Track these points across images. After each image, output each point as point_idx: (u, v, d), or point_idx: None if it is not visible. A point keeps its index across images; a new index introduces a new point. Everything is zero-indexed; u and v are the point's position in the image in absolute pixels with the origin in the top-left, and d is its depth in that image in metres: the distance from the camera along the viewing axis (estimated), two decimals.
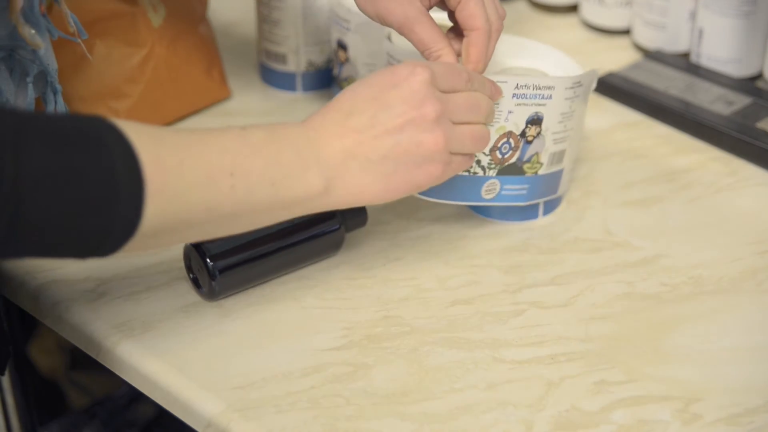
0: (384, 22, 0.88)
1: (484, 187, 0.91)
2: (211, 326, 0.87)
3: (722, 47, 1.16)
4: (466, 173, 0.90)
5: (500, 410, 0.81)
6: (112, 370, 0.87)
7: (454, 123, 0.82)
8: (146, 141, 0.70)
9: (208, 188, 0.73)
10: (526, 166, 0.92)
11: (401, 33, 0.87)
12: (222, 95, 1.15)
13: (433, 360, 0.85)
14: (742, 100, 1.12)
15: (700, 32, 1.17)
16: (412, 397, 0.82)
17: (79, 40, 0.90)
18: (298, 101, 1.16)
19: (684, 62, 1.18)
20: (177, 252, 0.93)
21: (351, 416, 0.80)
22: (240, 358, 0.85)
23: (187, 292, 0.90)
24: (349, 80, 1.11)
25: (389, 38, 1.03)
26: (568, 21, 1.30)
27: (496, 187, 0.92)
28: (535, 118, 0.88)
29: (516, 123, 0.89)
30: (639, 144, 1.10)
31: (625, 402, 0.81)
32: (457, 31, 0.89)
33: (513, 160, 0.91)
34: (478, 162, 0.90)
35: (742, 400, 0.82)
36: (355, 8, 1.08)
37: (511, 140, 0.88)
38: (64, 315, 0.89)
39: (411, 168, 0.80)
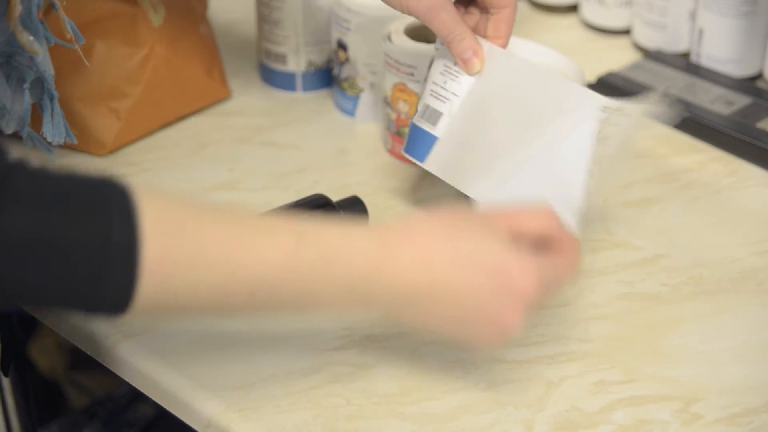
0: (409, 12, 0.86)
1: None
2: (211, 326, 0.87)
3: (722, 47, 1.16)
4: None
5: (500, 410, 0.81)
6: (112, 370, 0.87)
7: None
8: (160, 229, 0.63)
9: (218, 298, 0.67)
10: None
11: (425, 21, 0.86)
12: (222, 95, 1.15)
13: (433, 360, 0.85)
14: (742, 100, 1.12)
15: (700, 32, 1.17)
16: (412, 397, 0.82)
17: (77, 46, 0.90)
18: (298, 101, 1.16)
19: (684, 62, 1.18)
20: None
21: (351, 416, 0.80)
22: (240, 358, 0.85)
23: None
24: (349, 80, 1.11)
25: (389, 38, 1.03)
26: (568, 21, 1.30)
27: None
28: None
29: None
30: (639, 144, 1.10)
31: (625, 402, 0.81)
32: (466, 10, 0.89)
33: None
34: None
35: (742, 400, 0.82)
36: (355, 8, 1.08)
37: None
38: (64, 315, 0.89)
39: (457, 336, 0.75)
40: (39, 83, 0.87)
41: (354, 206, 0.95)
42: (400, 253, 0.71)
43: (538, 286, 0.72)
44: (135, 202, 0.63)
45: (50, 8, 0.88)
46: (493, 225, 0.74)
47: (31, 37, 0.82)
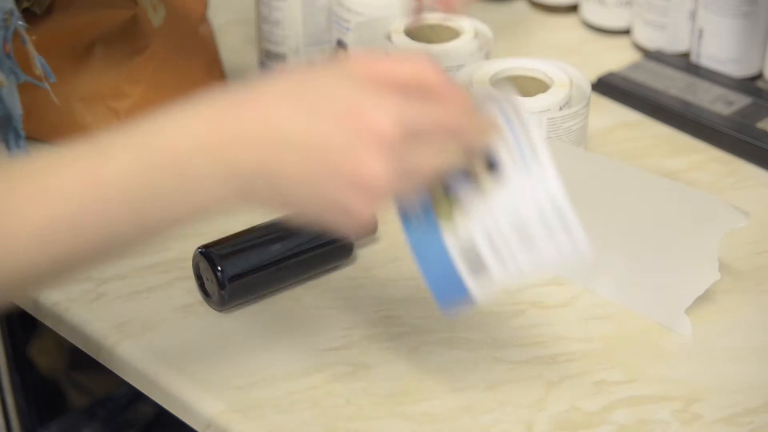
0: None
1: None
2: (211, 326, 0.87)
3: (722, 47, 1.16)
4: None
5: (500, 410, 0.81)
6: (112, 370, 0.87)
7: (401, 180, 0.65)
8: None
9: (39, 245, 0.60)
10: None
11: None
12: None
13: (433, 360, 0.85)
14: (742, 100, 1.11)
15: (700, 32, 1.17)
16: (412, 397, 0.82)
17: (47, 85, 0.87)
18: None
19: (684, 62, 1.18)
20: (177, 252, 0.93)
21: (351, 416, 0.80)
22: (240, 358, 0.85)
23: (187, 292, 0.90)
24: None
25: (389, 38, 1.03)
26: (568, 21, 1.30)
27: None
28: None
29: None
30: (639, 144, 1.10)
31: (625, 402, 0.81)
32: None
33: None
34: None
35: (742, 400, 0.82)
36: (355, 8, 1.08)
37: None
38: (64, 315, 0.89)
39: (319, 210, 0.67)
40: (6, 120, 0.82)
41: None
42: (233, 120, 0.64)
43: (400, 124, 0.62)
44: None
45: (21, 44, 0.85)
46: (347, 70, 0.65)
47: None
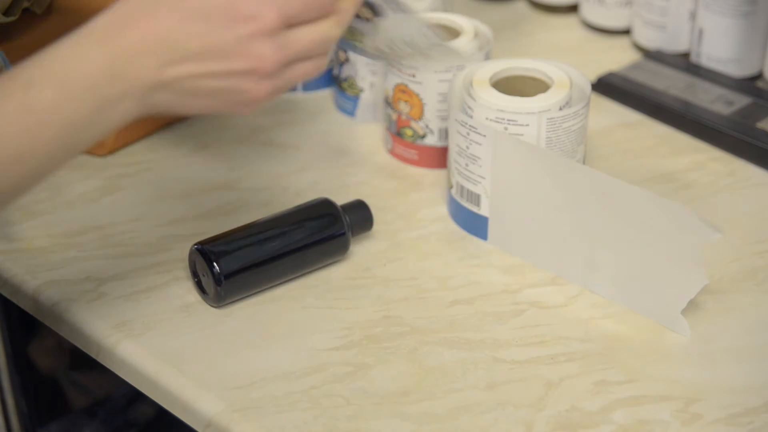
0: None
1: None
2: (211, 326, 0.87)
3: (722, 47, 1.16)
4: None
5: (500, 410, 0.81)
6: (112, 370, 0.87)
7: (292, 62, 0.73)
8: None
9: None
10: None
11: None
12: None
13: (433, 360, 0.85)
14: (742, 100, 1.12)
15: (700, 32, 1.17)
16: (412, 397, 0.82)
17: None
18: (298, 101, 1.16)
19: (684, 62, 1.18)
20: (177, 252, 0.93)
21: (351, 416, 0.80)
22: (240, 358, 0.85)
23: (187, 292, 0.90)
24: (349, 80, 1.11)
25: None
26: (568, 21, 1.30)
27: None
28: None
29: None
30: (639, 144, 1.10)
31: (625, 402, 0.82)
32: None
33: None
34: None
35: (742, 400, 0.82)
36: None
37: None
38: (64, 315, 0.89)
39: (221, 105, 0.73)
40: None
41: (359, 210, 0.95)
42: (130, 41, 0.68)
43: (278, 13, 0.69)
44: None
45: None
46: None
47: None
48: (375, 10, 0.81)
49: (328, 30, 0.73)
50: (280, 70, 0.72)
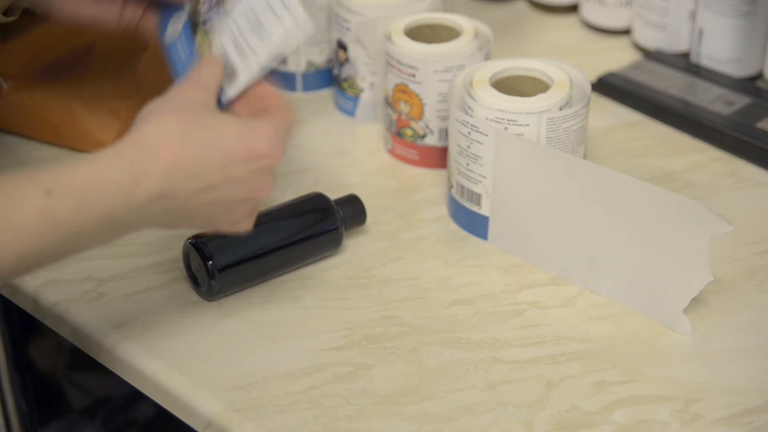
0: None
1: None
2: (211, 326, 0.87)
3: (722, 47, 1.16)
4: None
5: (500, 410, 0.81)
6: (112, 370, 0.87)
7: None
8: None
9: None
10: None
11: None
12: None
13: (433, 360, 0.85)
14: (742, 100, 1.12)
15: (700, 32, 1.17)
16: (412, 397, 0.82)
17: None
18: (298, 101, 1.16)
19: (684, 62, 1.18)
20: (177, 252, 0.93)
21: (351, 416, 0.80)
22: (240, 358, 0.85)
23: (187, 292, 0.90)
24: (349, 80, 1.11)
25: (390, 39, 1.03)
26: (568, 21, 1.30)
27: None
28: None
29: None
30: (639, 144, 1.10)
31: (625, 402, 0.82)
32: None
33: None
34: None
35: (742, 400, 0.82)
36: (355, 8, 1.08)
37: None
38: (64, 315, 0.89)
39: (213, 225, 0.79)
40: None
41: (352, 204, 0.95)
42: (151, 170, 0.72)
43: (280, 149, 0.78)
44: None
45: None
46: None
47: None
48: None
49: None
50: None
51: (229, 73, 0.81)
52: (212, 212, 0.77)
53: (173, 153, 0.73)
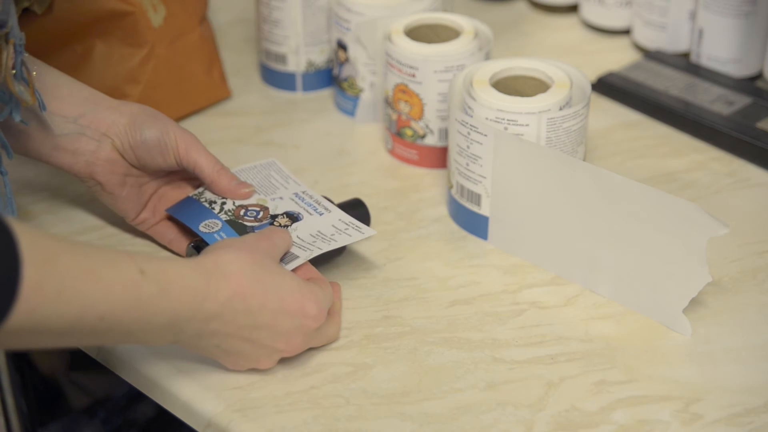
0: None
1: None
2: None
3: (722, 47, 1.16)
4: None
5: (500, 410, 0.81)
6: (112, 370, 0.87)
7: None
8: (36, 257, 0.67)
9: (73, 322, 0.71)
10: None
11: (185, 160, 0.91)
12: (222, 95, 1.15)
13: (433, 360, 0.85)
14: (742, 100, 1.12)
15: (700, 32, 1.17)
16: (412, 397, 0.82)
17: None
18: (298, 101, 1.16)
19: (684, 62, 1.18)
20: (177, 254, 0.93)
21: (351, 416, 0.80)
22: None
23: None
24: (349, 80, 1.11)
25: (390, 39, 1.03)
26: (568, 21, 1.30)
27: None
28: None
29: None
30: (639, 144, 1.10)
31: (625, 402, 0.82)
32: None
33: None
34: None
35: (742, 400, 0.82)
36: (355, 8, 1.08)
37: None
38: None
39: (233, 363, 0.83)
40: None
41: (356, 209, 0.95)
42: (220, 289, 0.78)
43: (324, 316, 0.83)
44: (16, 241, 0.66)
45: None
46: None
47: (21, 88, 0.83)
48: (293, 218, 0.91)
49: (333, 335, 0.87)
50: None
51: (287, 258, 0.86)
52: (246, 351, 0.81)
53: (241, 284, 0.78)
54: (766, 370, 0.84)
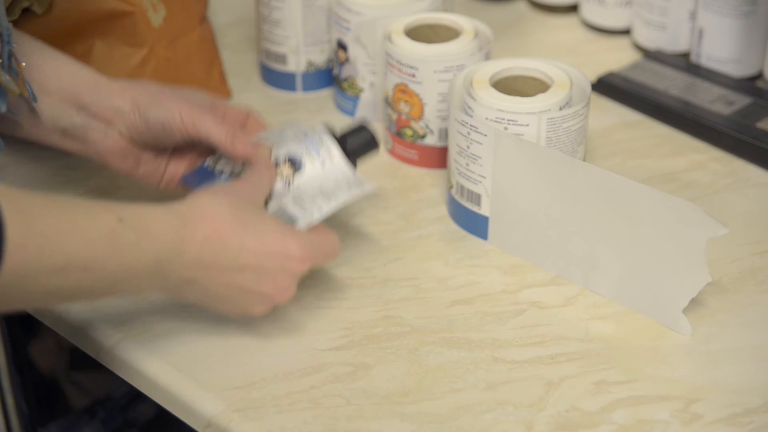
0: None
1: None
2: (211, 326, 0.87)
3: (722, 47, 1.16)
4: None
5: (500, 410, 0.81)
6: (112, 370, 0.87)
7: None
8: (17, 218, 0.68)
9: (58, 277, 0.71)
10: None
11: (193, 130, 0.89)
12: (222, 95, 1.14)
13: (433, 360, 0.85)
14: (742, 100, 1.12)
15: (700, 32, 1.17)
16: (412, 397, 0.82)
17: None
18: (298, 101, 1.16)
19: (684, 62, 1.18)
20: None
21: (351, 416, 0.80)
22: (240, 358, 0.85)
23: None
24: (349, 80, 1.11)
25: (390, 39, 1.03)
26: (568, 21, 1.30)
27: None
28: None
29: None
30: (639, 144, 1.10)
31: (625, 402, 0.82)
32: None
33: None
34: None
35: (742, 400, 0.82)
36: (355, 8, 1.08)
37: None
38: (64, 315, 0.89)
39: (224, 308, 0.83)
40: None
41: (358, 134, 0.92)
42: (196, 230, 0.77)
43: (311, 259, 0.82)
44: None
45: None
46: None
47: (8, 78, 0.84)
48: (296, 166, 0.89)
49: (331, 250, 0.85)
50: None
51: (285, 220, 0.85)
52: (234, 296, 0.81)
53: (216, 224, 0.78)
54: (766, 370, 0.84)
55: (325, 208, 0.87)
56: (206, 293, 0.80)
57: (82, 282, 0.73)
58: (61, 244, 0.71)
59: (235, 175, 0.90)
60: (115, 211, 0.74)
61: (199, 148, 0.93)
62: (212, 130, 0.89)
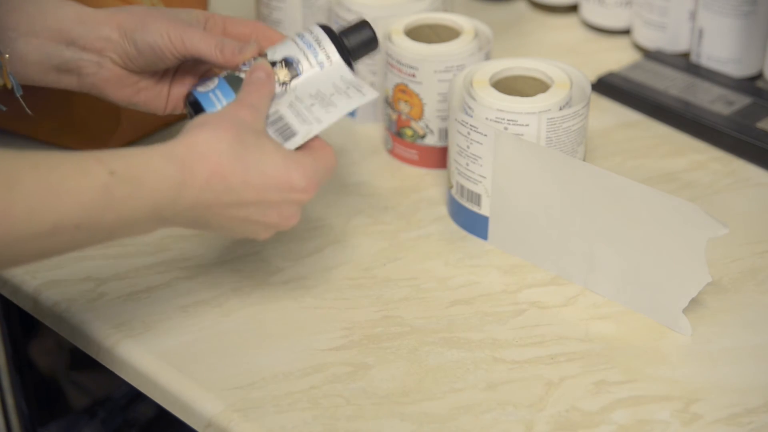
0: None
1: None
2: (211, 326, 0.87)
3: (722, 47, 1.16)
4: None
5: (500, 410, 0.81)
6: (112, 370, 0.87)
7: None
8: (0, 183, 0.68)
9: (49, 239, 0.71)
10: None
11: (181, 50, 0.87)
12: None
13: (433, 360, 0.85)
14: (742, 100, 1.12)
15: (700, 32, 1.17)
16: (412, 397, 0.82)
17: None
18: None
19: (684, 62, 1.18)
20: (177, 252, 0.93)
21: (351, 416, 0.80)
22: (240, 358, 0.85)
23: (187, 292, 0.90)
24: None
25: (390, 39, 1.03)
26: (568, 21, 1.30)
27: None
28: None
29: None
30: (639, 144, 1.10)
31: (625, 402, 0.82)
32: None
33: None
34: None
35: (742, 400, 0.82)
36: (355, 8, 1.08)
37: None
38: (64, 315, 0.89)
39: (232, 234, 0.83)
40: None
41: (357, 31, 0.89)
42: (196, 173, 0.76)
43: (314, 187, 0.81)
44: None
45: None
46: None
47: None
48: (292, 67, 0.86)
49: (329, 163, 0.84)
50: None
51: (286, 133, 0.83)
52: (238, 227, 0.81)
53: (218, 164, 0.77)
54: (766, 370, 0.84)
55: (324, 119, 0.84)
56: (208, 226, 0.80)
57: (76, 238, 0.72)
58: (49, 206, 0.70)
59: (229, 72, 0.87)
60: (107, 163, 0.73)
61: (201, 68, 0.91)
62: (199, 43, 0.86)
